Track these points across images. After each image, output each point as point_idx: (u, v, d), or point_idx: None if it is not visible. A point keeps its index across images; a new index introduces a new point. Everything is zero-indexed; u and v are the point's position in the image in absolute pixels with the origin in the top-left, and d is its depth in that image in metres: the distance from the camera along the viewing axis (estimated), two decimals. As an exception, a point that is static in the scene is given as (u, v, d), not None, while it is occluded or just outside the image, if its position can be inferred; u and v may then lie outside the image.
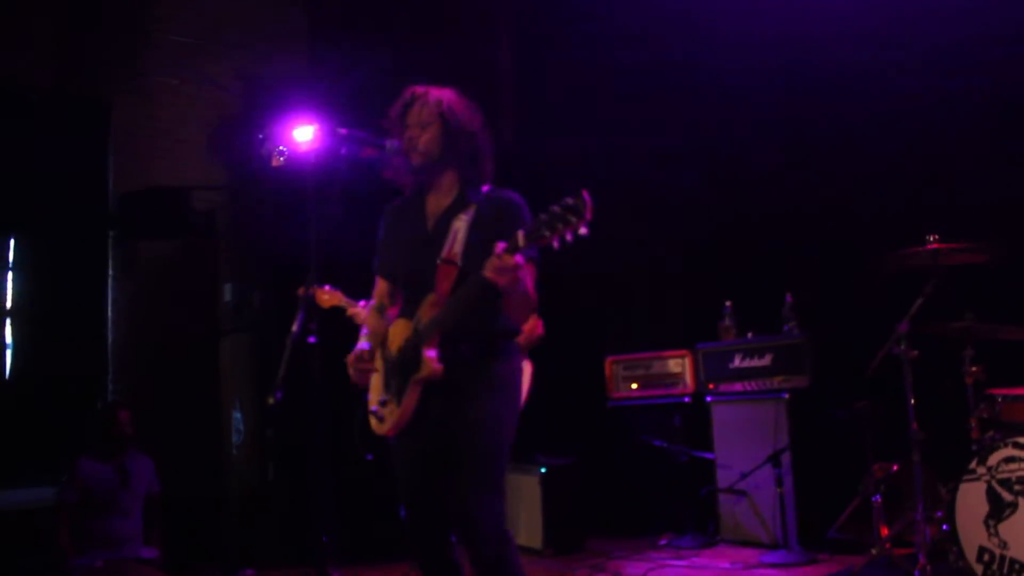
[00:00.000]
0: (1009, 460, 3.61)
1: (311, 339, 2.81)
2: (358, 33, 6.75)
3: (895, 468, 4.42)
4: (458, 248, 2.79)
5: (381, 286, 3.07)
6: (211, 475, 5.74)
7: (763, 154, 5.67)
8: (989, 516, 3.63)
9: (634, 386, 5.91)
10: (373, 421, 2.92)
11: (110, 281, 6.13)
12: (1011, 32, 4.66)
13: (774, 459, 4.90)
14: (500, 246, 2.52)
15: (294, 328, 2.77)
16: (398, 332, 2.88)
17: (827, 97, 5.35)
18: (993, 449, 3.68)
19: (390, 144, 2.90)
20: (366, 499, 5.12)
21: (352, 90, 5.88)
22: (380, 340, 2.94)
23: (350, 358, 2.90)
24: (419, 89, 2.93)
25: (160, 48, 6.43)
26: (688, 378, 5.70)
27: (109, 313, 6.09)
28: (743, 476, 5.10)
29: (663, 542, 5.40)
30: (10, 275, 5.95)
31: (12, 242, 5.98)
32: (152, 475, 4.73)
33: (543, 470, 5.37)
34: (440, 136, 2.86)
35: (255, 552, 5.27)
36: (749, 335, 5.37)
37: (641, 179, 6.16)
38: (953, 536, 3.72)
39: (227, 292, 5.83)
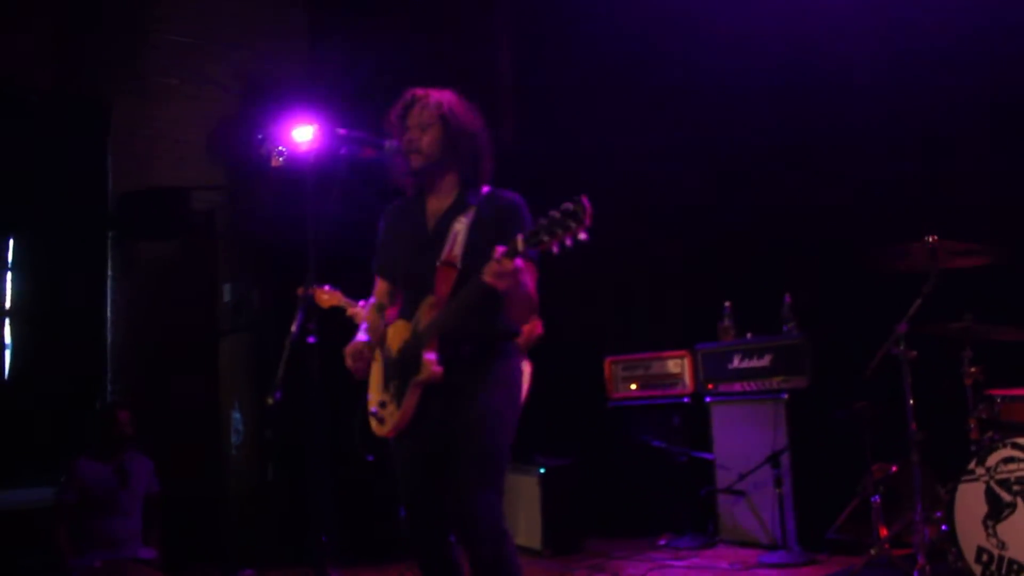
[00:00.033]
0: (1008, 461, 3.61)
1: (310, 339, 2.81)
2: (358, 33, 6.74)
3: (894, 469, 4.41)
4: (458, 250, 2.79)
5: (380, 286, 3.07)
6: (210, 475, 5.74)
7: (763, 154, 5.66)
8: (988, 517, 3.63)
9: (633, 386, 5.91)
10: (373, 423, 2.92)
11: (109, 281, 6.13)
12: (1011, 32, 4.66)
13: (773, 459, 4.90)
14: (499, 250, 2.52)
15: (293, 328, 2.78)
16: (397, 333, 2.88)
17: (827, 97, 5.35)
18: (992, 450, 3.68)
19: (389, 144, 2.91)
20: (365, 499, 5.13)
21: (351, 90, 5.87)
22: (380, 337, 2.95)
23: (349, 348, 2.90)
24: (419, 91, 2.93)
25: (159, 48, 6.42)
26: (687, 378, 5.69)
27: (108, 313, 6.09)
28: (742, 476, 5.09)
29: (662, 542, 5.39)
30: (9, 275, 5.95)
31: (11, 242, 5.98)
32: (151, 475, 4.73)
33: (542, 470, 5.37)
34: (441, 138, 2.87)
35: (254, 552, 5.26)
36: (748, 335, 5.37)
37: (641, 179, 6.16)
38: (952, 537, 3.72)
39: (226, 292, 5.82)
